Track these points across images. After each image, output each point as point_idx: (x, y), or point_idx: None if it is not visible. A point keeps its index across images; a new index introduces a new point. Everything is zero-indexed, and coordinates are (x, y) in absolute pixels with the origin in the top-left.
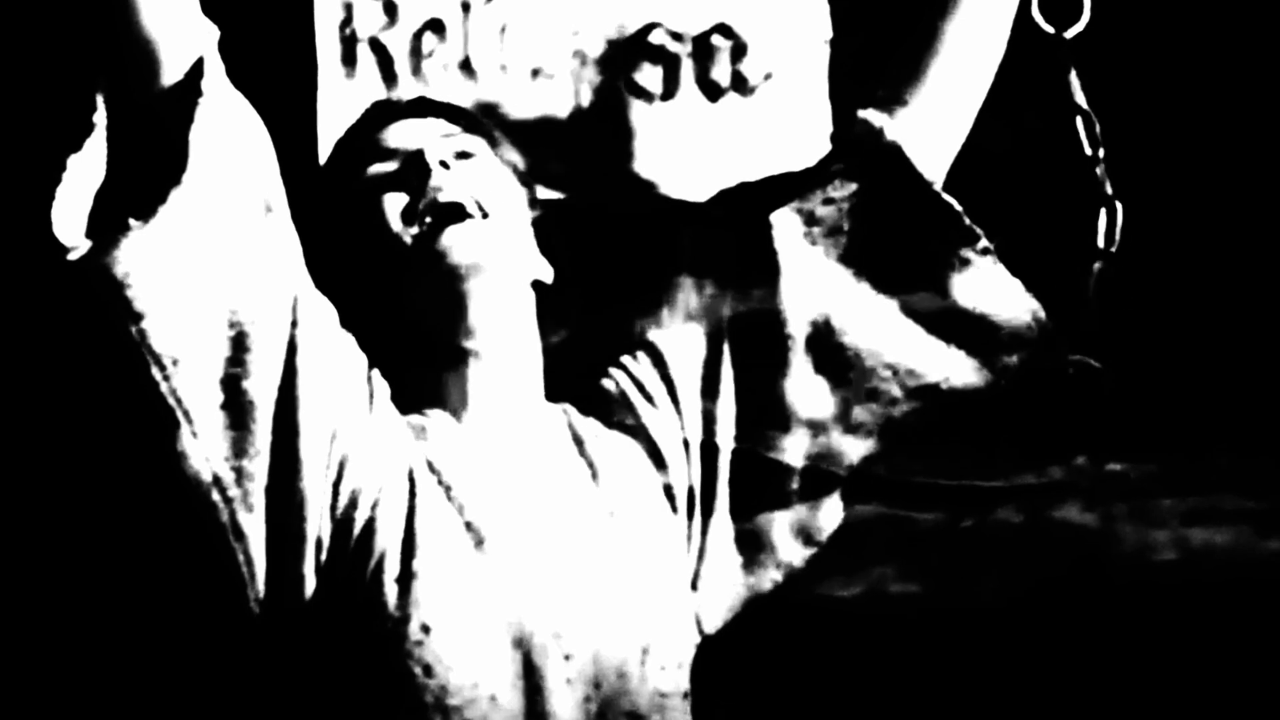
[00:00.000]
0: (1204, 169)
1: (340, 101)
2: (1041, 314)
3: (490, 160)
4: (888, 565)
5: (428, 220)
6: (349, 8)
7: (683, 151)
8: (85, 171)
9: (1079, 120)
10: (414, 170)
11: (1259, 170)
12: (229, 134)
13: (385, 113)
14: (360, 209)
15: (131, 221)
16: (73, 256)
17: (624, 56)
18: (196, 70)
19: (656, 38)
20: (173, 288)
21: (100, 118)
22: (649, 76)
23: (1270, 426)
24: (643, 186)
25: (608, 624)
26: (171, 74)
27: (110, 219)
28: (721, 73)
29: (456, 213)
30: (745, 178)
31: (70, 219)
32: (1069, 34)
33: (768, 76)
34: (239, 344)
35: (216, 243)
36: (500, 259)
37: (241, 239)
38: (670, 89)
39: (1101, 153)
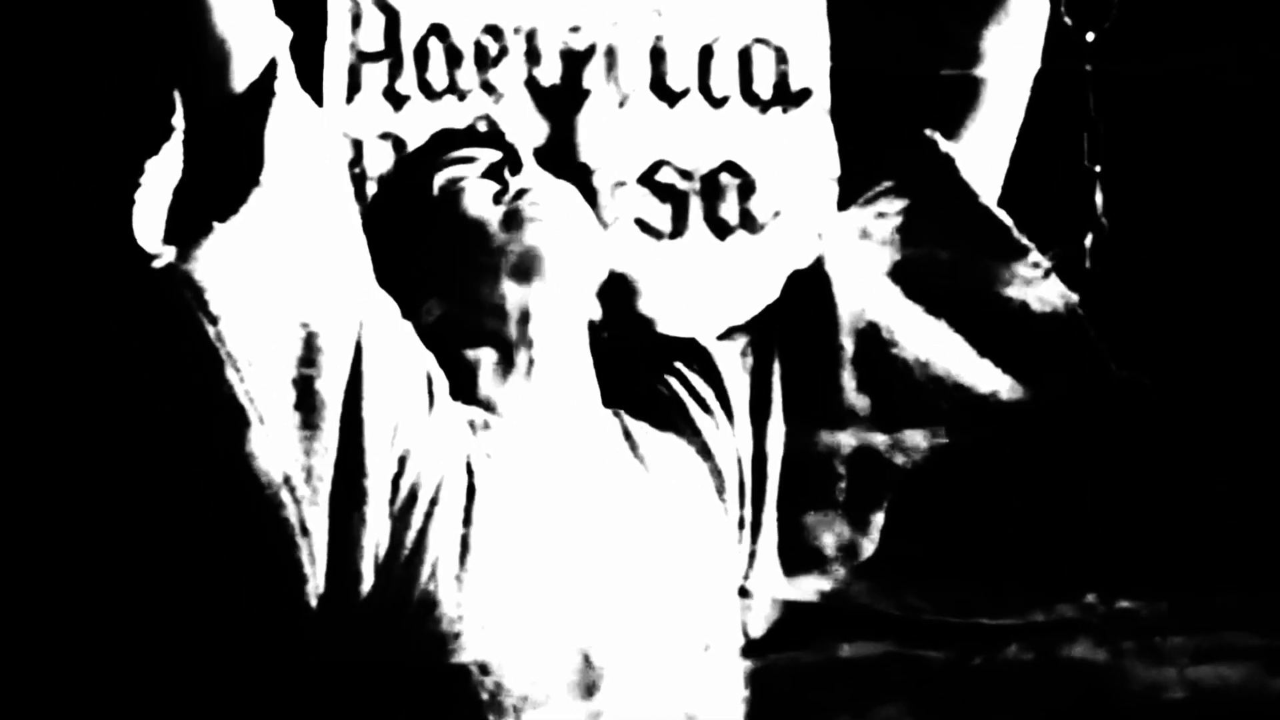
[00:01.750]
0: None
1: None
2: (1090, 331)
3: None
4: (897, 704)
5: (515, 197)
6: (359, 146)
7: (692, 289)
8: (163, 176)
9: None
10: (507, 162)
11: None
12: (300, 135)
13: (454, 140)
14: (436, 208)
15: (214, 224)
16: (158, 264)
17: (633, 194)
18: (270, 71)
19: (665, 176)
20: (249, 288)
21: (179, 120)
22: (657, 214)
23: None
24: (651, 324)
25: (666, 621)
26: (244, 75)
27: (188, 222)
28: (730, 211)
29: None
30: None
31: (150, 224)
32: (1090, 36)
33: (776, 214)
34: (310, 344)
35: (291, 243)
36: (580, 238)
37: (314, 240)
38: (679, 227)
39: (1099, 169)
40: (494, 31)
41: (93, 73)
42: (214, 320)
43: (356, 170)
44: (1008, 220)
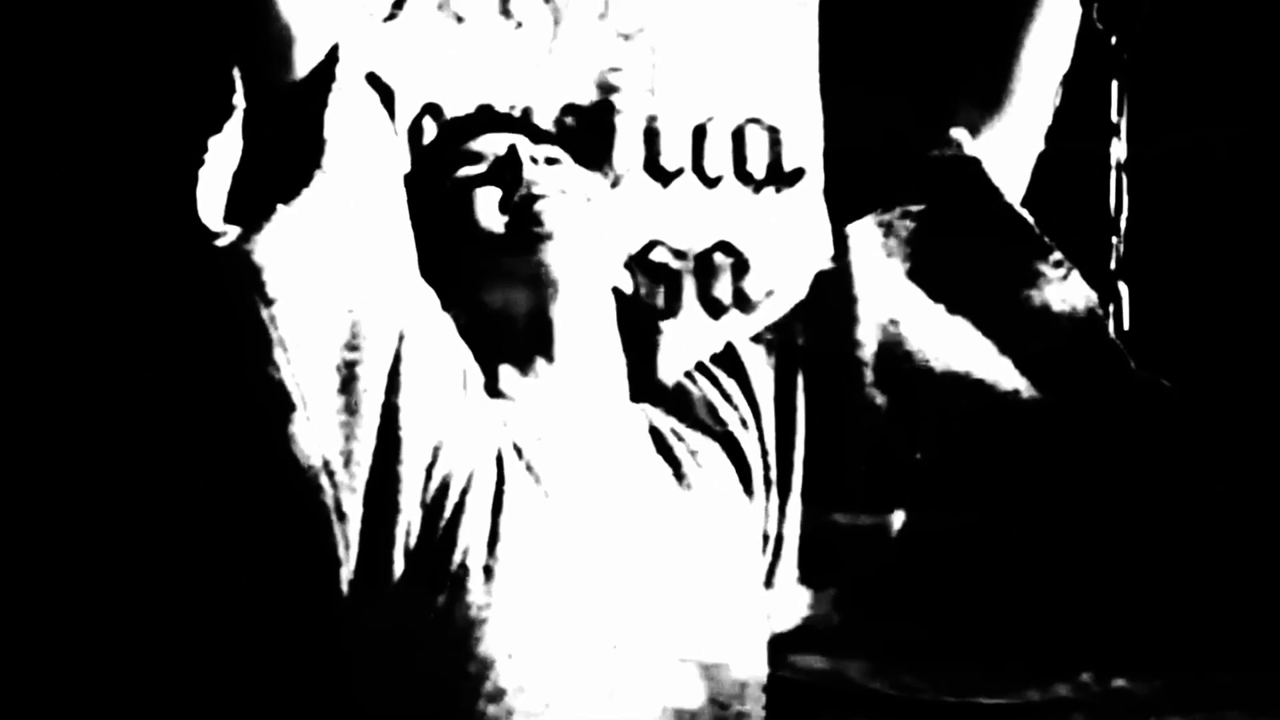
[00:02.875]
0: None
1: None
2: (1109, 330)
3: (574, 166)
4: None
5: (521, 205)
6: None
7: (685, 368)
8: (225, 154)
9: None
10: (507, 167)
11: None
12: (359, 121)
13: (465, 127)
14: (448, 210)
15: (278, 206)
16: (221, 243)
17: (627, 274)
18: (332, 57)
19: (658, 255)
20: (303, 272)
21: (239, 99)
22: (651, 294)
23: (1276, 643)
24: None
25: (692, 612)
26: (307, 61)
27: (249, 202)
28: (724, 290)
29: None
30: None
31: (212, 202)
32: (1114, 39)
33: (770, 294)
34: (356, 331)
35: (345, 229)
36: (591, 239)
37: (366, 226)
38: (673, 306)
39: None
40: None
41: (154, 50)
42: (269, 302)
43: None
44: (1031, 220)
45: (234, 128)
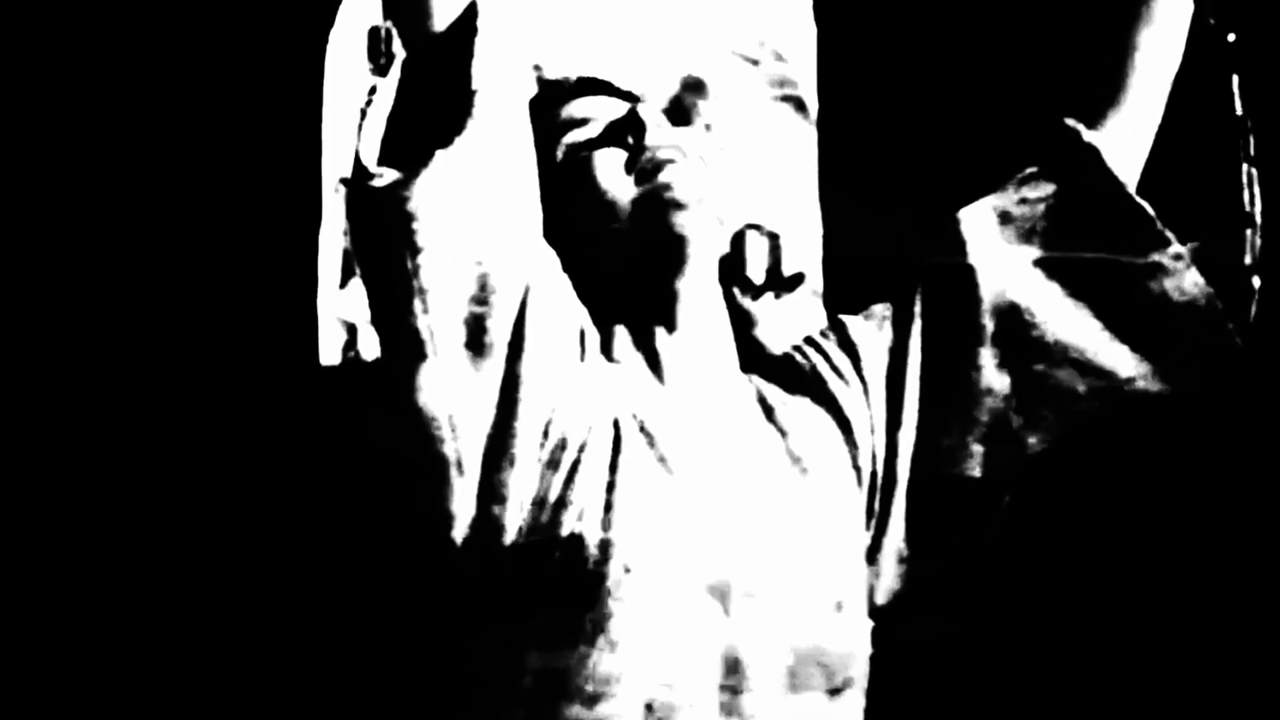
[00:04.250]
0: None
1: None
2: (1228, 323)
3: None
4: None
5: (650, 171)
6: (353, 330)
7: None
8: (382, 100)
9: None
10: (630, 127)
11: None
12: (501, 73)
13: (558, 92)
14: (562, 176)
15: (436, 152)
16: (377, 184)
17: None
18: (471, 10)
19: None
20: (447, 222)
21: (397, 47)
22: None
23: None
24: None
25: (802, 575)
26: (444, 17)
27: (401, 148)
28: None
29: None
30: None
31: (371, 144)
32: (1232, 36)
33: None
34: (484, 284)
35: (484, 180)
36: (712, 205)
37: (501, 179)
38: None
39: (1254, 171)
40: None
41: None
42: (416, 251)
43: (350, 354)
44: (1151, 210)
45: (397, 73)
